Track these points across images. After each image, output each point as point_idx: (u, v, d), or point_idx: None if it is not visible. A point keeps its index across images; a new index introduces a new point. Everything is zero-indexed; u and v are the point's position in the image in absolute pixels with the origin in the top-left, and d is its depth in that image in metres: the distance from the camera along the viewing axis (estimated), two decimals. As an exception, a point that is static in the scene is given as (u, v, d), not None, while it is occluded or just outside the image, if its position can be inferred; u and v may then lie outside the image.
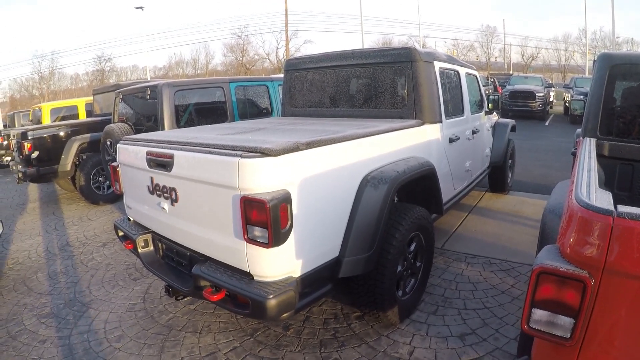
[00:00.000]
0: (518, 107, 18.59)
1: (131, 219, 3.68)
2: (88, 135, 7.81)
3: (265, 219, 2.28)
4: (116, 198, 7.90)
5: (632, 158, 3.17)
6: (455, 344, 3.19)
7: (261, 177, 2.35)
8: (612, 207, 1.37)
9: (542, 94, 18.97)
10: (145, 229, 3.42)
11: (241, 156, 2.38)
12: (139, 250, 3.35)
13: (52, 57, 55.00)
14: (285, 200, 2.35)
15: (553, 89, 23.46)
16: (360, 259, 2.90)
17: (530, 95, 18.65)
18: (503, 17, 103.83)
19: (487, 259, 4.60)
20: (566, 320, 1.47)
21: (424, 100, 3.93)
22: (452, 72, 4.72)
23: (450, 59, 4.80)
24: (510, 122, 6.79)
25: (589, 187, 1.66)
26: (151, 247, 3.40)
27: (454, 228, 5.52)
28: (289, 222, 2.40)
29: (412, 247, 3.47)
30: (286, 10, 37.68)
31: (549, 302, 1.49)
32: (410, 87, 3.96)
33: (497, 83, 23.15)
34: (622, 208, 1.37)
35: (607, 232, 1.34)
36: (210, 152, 2.58)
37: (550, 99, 21.56)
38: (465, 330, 3.35)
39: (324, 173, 2.70)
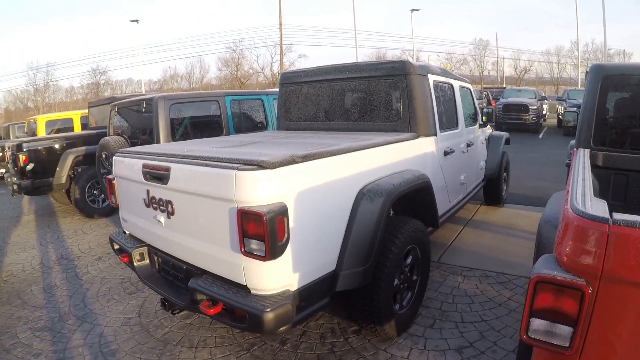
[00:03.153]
0: (512, 120, 18.69)
1: (127, 232, 3.66)
2: (83, 148, 7.81)
3: (262, 231, 2.28)
4: (111, 211, 7.87)
5: (626, 168, 3.18)
6: (453, 357, 3.18)
7: (258, 190, 2.35)
8: (607, 215, 1.38)
9: (535, 107, 19.08)
10: (141, 242, 3.40)
11: (238, 169, 2.37)
12: (135, 264, 3.34)
13: (47, 70, 55.28)
14: (282, 212, 2.35)
15: (546, 101, 23.60)
16: (357, 272, 2.90)
17: (524, 108, 18.77)
18: (495, 30, 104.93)
19: (484, 271, 4.60)
20: (565, 329, 1.47)
21: (418, 113, 3.96)
22: (446, 85, 4.76)
23: (444, 72, 4.84)
24: (504, 134, 6.83)
25: (584, 196, 1.68)
26: (147, 261, 3.38)
27: (450, 241, 5.53)
28: (286, 235, 2.39)
29: (409, 260, 3.47)
30: (280, 24, 37.81)
31: (547, 311, 1.48)
32: (405, 100, 3.99)
33: (490, 96, 23.29)
34: (618, 215, 1.38)
35: (603, 240, 1.35)
36: (206, 165, 2.58)
37: (544, 112, 21.70)
38: (463, 344, 3.34)
39: (321, 186, 2.70)
